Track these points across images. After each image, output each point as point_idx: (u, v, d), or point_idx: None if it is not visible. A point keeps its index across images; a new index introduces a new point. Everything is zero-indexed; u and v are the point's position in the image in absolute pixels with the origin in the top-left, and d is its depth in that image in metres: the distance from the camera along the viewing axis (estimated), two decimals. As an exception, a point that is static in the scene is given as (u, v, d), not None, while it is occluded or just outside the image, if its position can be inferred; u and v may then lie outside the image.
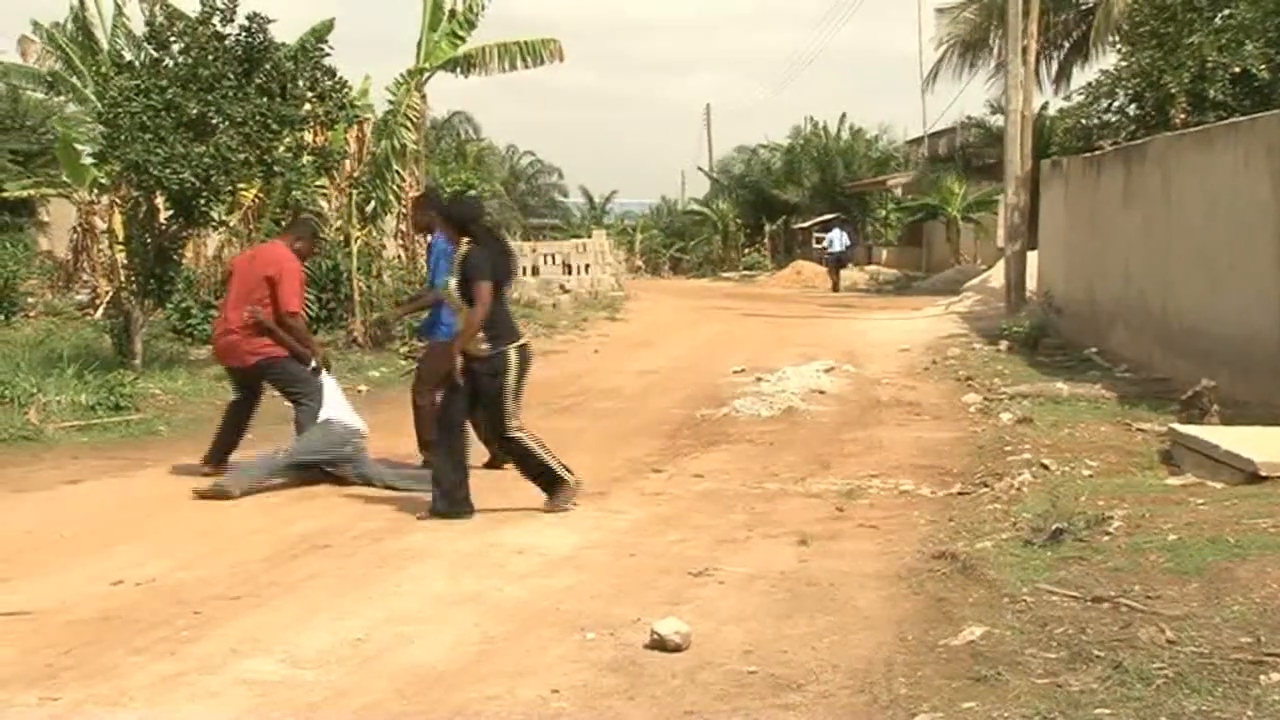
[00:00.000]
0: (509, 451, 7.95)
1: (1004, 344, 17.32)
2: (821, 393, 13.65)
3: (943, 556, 6.39)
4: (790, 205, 48.64)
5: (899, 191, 43.80)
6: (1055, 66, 31.10)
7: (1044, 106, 30.98)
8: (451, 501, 7.66)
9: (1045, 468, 8.48)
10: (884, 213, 44.32)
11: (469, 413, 7.85)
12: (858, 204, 46.06)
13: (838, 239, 38.15)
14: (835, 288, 36.83)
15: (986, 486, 8.20)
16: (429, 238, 9.76)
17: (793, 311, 28.00)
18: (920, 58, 49.90)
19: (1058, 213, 19.24)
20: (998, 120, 31.71)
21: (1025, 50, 22.62)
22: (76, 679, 4.77)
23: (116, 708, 4.49)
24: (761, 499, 8.41)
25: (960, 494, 8.24)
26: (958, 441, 10.54)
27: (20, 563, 6.62)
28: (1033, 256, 21.93)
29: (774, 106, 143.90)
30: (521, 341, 7.76)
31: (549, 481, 7.84)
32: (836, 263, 37.90)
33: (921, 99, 58.01)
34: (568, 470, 7.89)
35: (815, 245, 43.10)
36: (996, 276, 25.64)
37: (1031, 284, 21.80)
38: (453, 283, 7.77)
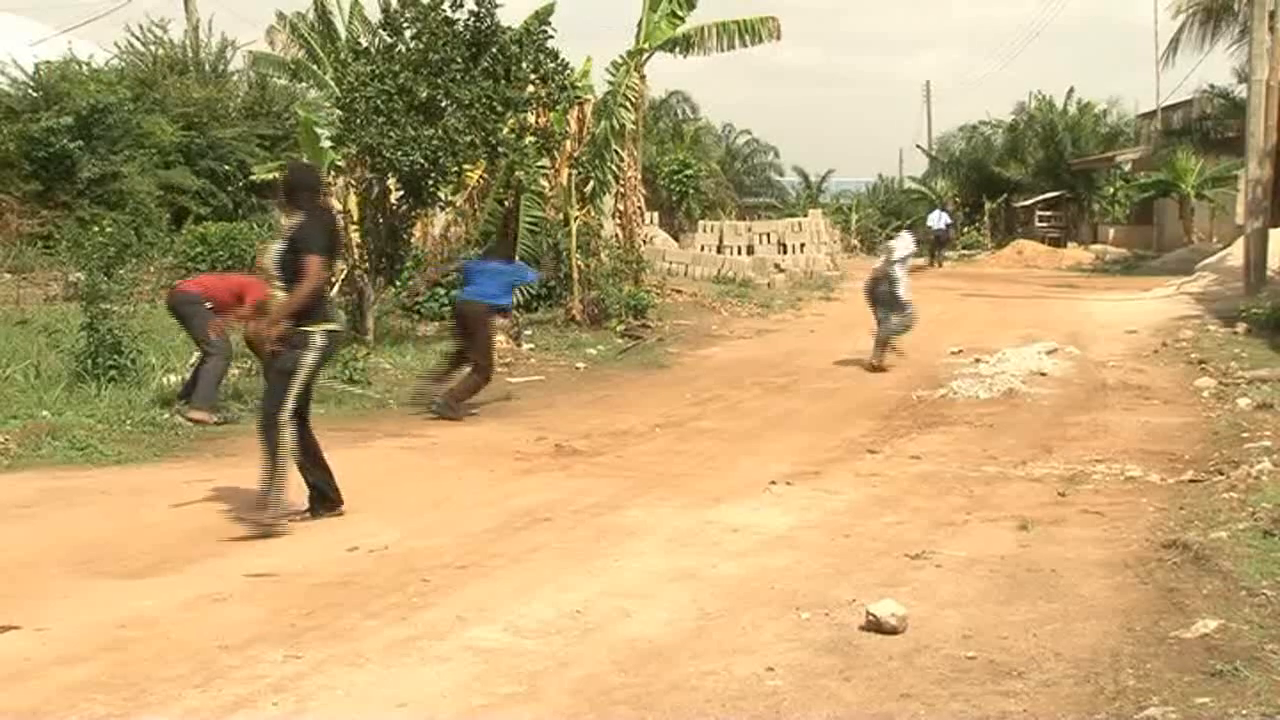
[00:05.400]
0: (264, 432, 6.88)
1: (1242, 326, 16.53)
2: (1043, 375, 13.30)
3: (1173, 545, 6.18)
4: (1012, 183, 47.31)
5: (1128, 167, 42.07)
6: (1308, 31, 29.27)
7: (1292, 74, 29.21)
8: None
9: (1288, 457, 8.07)
10: (1111, 190, 42.66)
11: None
12: (1083, 181, 44.47)
13: (936, 219, 39.78)
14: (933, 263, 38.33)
15: (1221, 474, 7.86)
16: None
17: (1013, 291, 27.26)
18: (1156, 27, 47.78)
19: (1305, 188, 18.21)
20: (1241, 91, 30.06)
21: (1273, 15, 21.43)
22: (318, 639, 5.04)
23: (354, 668, 4.73)
24: (980, 482, 8.27)
25: (1192, 481, 7.93)
26: (1189, 427, 10.15)
27: (267, 527, 7.01)
28: (1275, 234, 20.83)
29: (997, 83, 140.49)
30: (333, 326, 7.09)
31: (267, 489, 6.77)
32: (936, 242, 39.47)
33: (1156, 71, 55.35)
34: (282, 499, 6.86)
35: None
36: (1234, 255, 24.39)
37: (1274, 263, 20.71)
38: (274, 252, 7.04)
